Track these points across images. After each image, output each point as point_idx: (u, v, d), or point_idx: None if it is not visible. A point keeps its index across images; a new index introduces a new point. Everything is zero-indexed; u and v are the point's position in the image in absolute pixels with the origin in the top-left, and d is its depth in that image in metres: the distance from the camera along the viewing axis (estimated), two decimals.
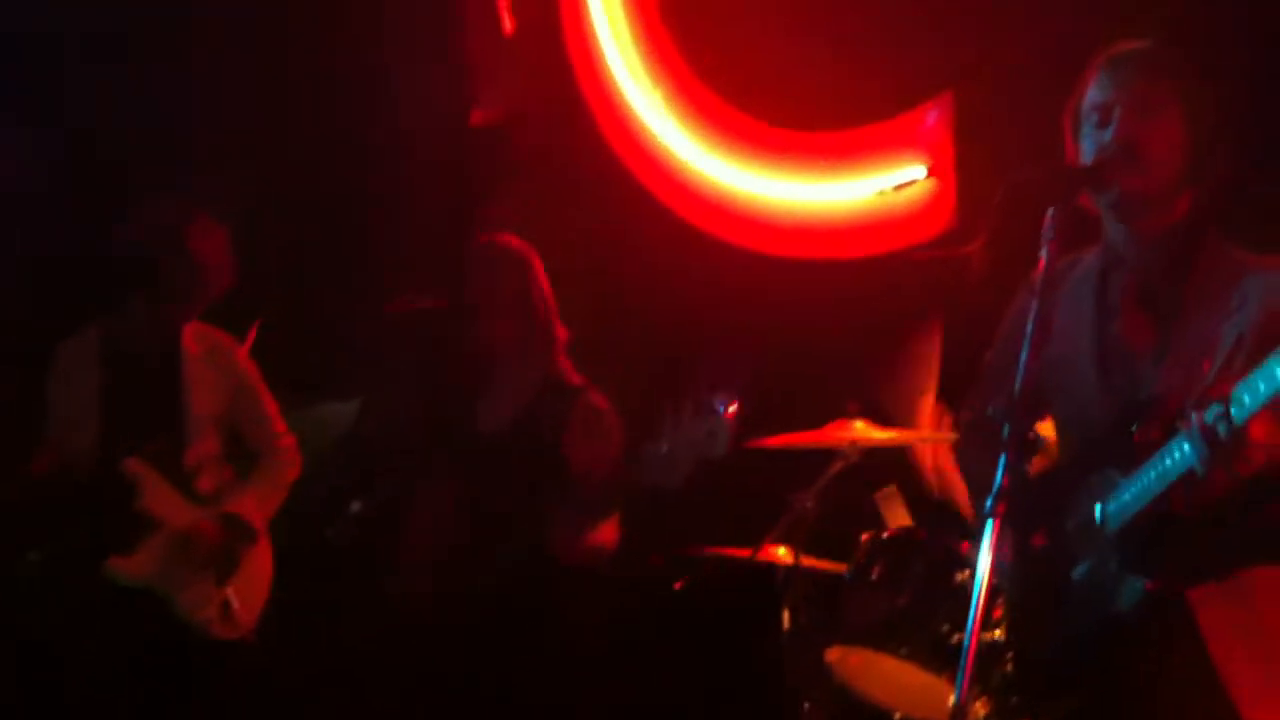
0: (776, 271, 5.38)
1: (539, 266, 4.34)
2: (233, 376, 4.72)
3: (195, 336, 4.69)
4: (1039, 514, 3.03)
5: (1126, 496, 2.83)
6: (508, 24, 5.90)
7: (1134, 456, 2.83)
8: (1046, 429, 3.12)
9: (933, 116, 5.13)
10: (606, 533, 4.11)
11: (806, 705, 4.34)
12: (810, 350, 5.17)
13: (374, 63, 5.90)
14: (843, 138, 5.31)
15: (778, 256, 5.42)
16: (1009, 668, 3.19)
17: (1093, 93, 3.00)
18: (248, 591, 4.51)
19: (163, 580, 4.42)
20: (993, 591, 2.54)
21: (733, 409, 3.45)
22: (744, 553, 4.48)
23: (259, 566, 4.59)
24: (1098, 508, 2.91)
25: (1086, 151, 2.98)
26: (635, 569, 4.92)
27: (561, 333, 4.32)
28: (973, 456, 3.33)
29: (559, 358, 4.31)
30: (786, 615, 4.50)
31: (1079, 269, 3.12)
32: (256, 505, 4.62)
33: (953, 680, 3.63)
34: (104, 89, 5.77)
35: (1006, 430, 2.57)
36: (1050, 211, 2.74)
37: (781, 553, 4.49)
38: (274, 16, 5.86)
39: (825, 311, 5.20)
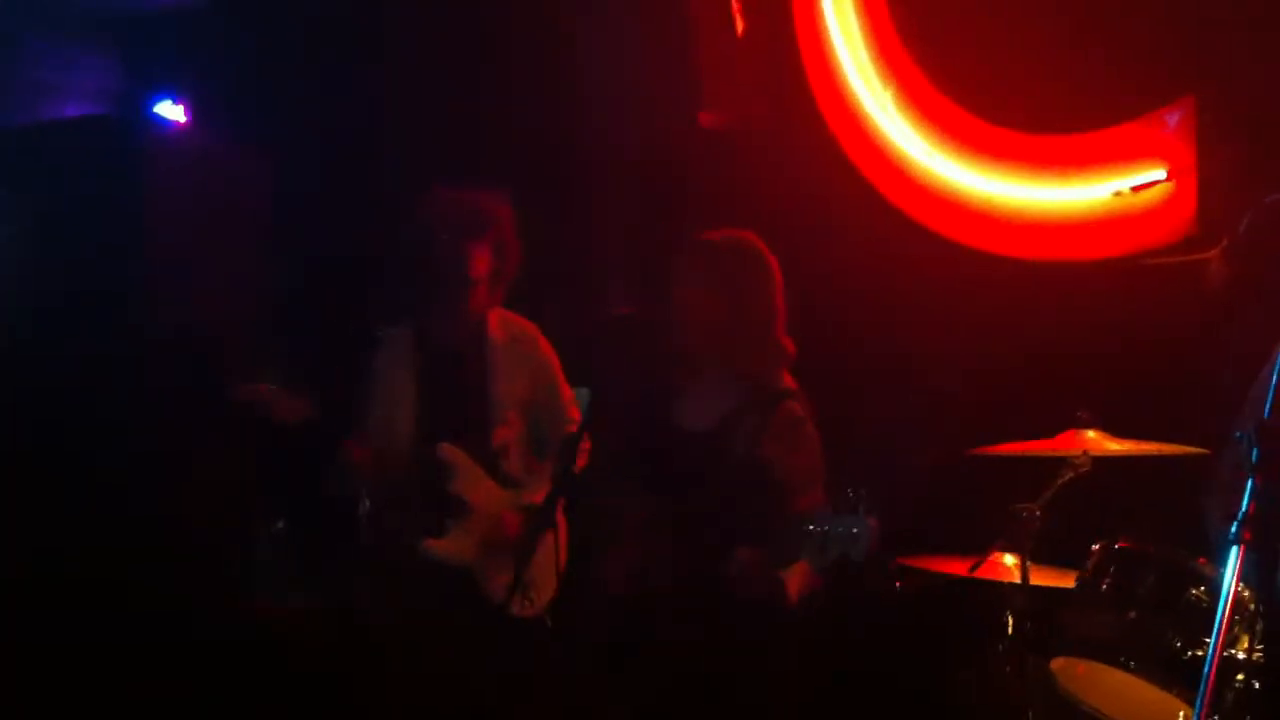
0: (1008, 273, 5.32)
1: (759, 269, 4.10)
2: (535, 363, 4.84)
3: (500, 323, 4.83)
4: None
5: None
6: (739, 25, 5.94)
7: None
8: None
9: (1174, 119, 5.02)
10: (794, 577, 3.87)
11: (1030, 715, 4.30)
12: (1042, 355, 5.09)
13: (605, 66, 6.02)
14: (1080, 140, 5.22)
15: (1010, 257, 5.36)
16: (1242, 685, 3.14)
17: None
18: (543, 576, 4.64)
19: (471, 560, 4.64)
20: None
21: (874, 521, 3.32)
22: (968, 561, 4.44)
23: (553, 551, 4.66)
24: None
25: None
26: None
27: (786, 343, 4.10)
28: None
29: (774, 365, 4.10)
30: (1011, 624, 4.47)
31: None
32: None
33: (1182, 696, 3.61)
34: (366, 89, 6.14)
35: (1255, 455, 2.54)
36: None
37: (1008, 562, 4.45)
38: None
39: (1058, 315, 5.13)
